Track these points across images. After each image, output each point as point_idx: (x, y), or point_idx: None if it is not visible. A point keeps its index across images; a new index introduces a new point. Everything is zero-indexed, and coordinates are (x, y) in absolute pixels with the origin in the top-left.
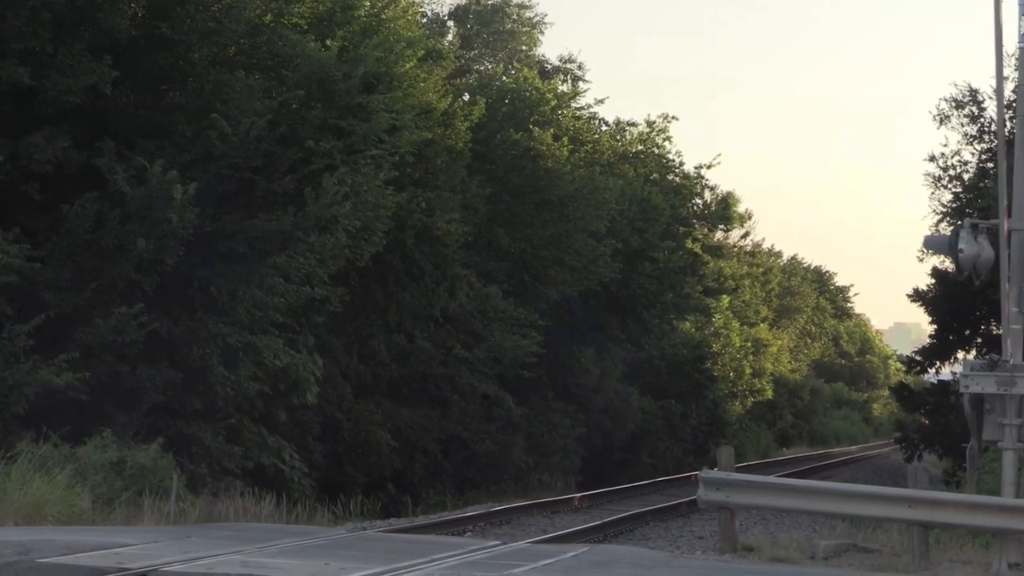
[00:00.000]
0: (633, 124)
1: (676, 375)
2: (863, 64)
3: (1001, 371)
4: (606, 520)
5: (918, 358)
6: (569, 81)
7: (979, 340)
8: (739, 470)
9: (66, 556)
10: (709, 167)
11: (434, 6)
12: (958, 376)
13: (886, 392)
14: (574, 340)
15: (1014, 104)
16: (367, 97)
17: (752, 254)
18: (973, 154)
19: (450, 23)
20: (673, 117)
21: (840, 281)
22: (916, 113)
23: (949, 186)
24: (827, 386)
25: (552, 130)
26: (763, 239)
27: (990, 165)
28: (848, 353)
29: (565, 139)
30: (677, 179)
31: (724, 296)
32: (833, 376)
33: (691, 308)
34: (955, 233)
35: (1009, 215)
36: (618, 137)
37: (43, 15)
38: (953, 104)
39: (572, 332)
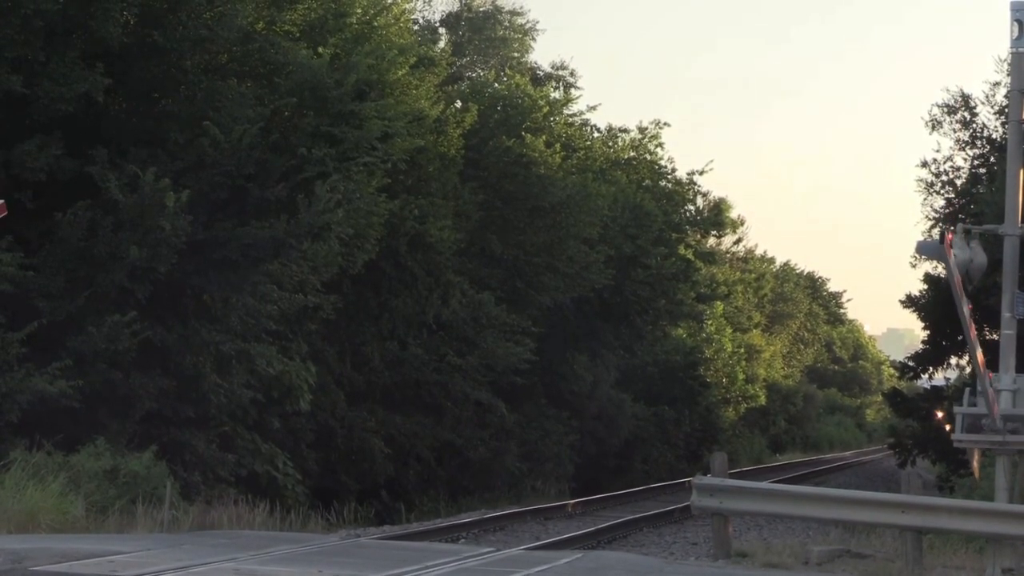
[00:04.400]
0: (625, 130)
1: (669, 381)
2: (855, 70)
3: (990, 433)
4: (600, 526)
5: (911, 364)
6: (561, 88)
7: None
8: (732, 476)
9: (60, 564)
10: (701, 173)
11: (426, 13)
12: (950, 383)
13: (879, 398)
14: (567, 347)
15: (1006, 109)
16: (359, 104)
17: (745, 260)
18: (965, 159)
19: (442, 30)
20: (665, 123)
21: (833, 287)
22: (909, 118)
23: (941, 192)
24: (820, 392)
25: (544, 137)
26: (756, 245)
27: (982, 171)
28: (841, 359)
29: (557, 146)
30: (669, 185)
31: (717, 302)
32: (826, 382)
33: (684, 314)
34: None
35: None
36: (610, 143)
37: (35, 23)
38: (945, 110)
39: (565, 339)
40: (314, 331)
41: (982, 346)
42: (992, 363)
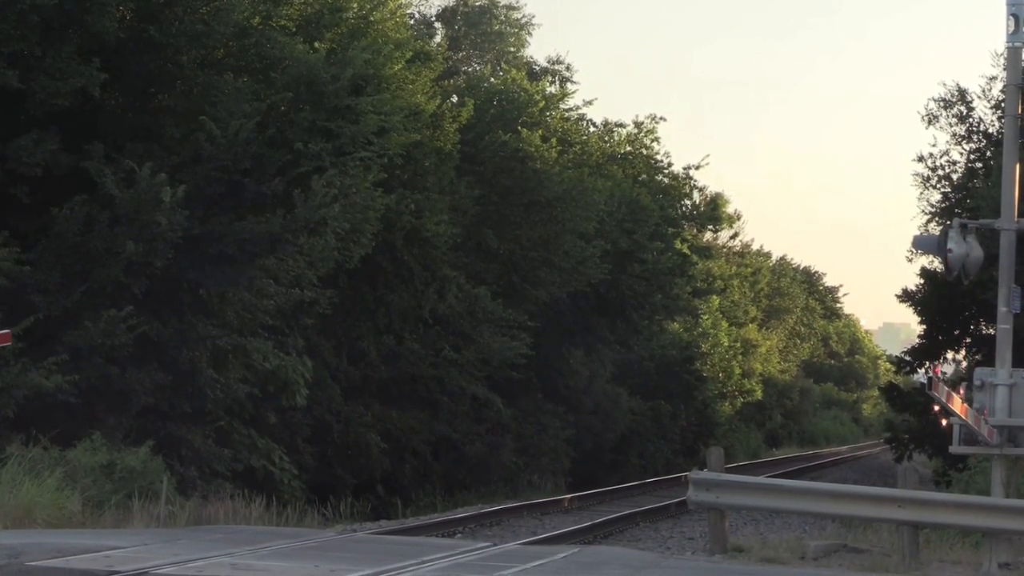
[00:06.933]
0: (621, 125)
1: (665, 376)
2: (852, 65)
3: (984, 447)
4: (596, 521)
5: (907, 358)
6: (557, 82)
7: (968, 340)
8: (729, 471)
9: (56, 559)
10: (698, 168)
11: (422, 8)
12: (947, 378)
13: (876, 392)
14: (563, 341)
15: (1002, 104)
16: (355, 99)
17: (741, 254)
18: (962, 154)
19: (438, 25)
20: (661, 118)
21: (829, 281)
22: (905, 113)
23: (938, 186)
24: (816, 386)
25: (540, 131)
26: (752, 239)
27: (979, 165)
28: (837, 353)
29: (554, 140)
30: (666, 180)
31: (713, 297)
32: (822, 376)
33: (680, 309)
34: (944, 233)
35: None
36: (606, 138)
37: (31, 18)
38: (942, 104)
39: (561, 333)
40: (310, 326)
41: (977, 341)
42: (988, 357)
